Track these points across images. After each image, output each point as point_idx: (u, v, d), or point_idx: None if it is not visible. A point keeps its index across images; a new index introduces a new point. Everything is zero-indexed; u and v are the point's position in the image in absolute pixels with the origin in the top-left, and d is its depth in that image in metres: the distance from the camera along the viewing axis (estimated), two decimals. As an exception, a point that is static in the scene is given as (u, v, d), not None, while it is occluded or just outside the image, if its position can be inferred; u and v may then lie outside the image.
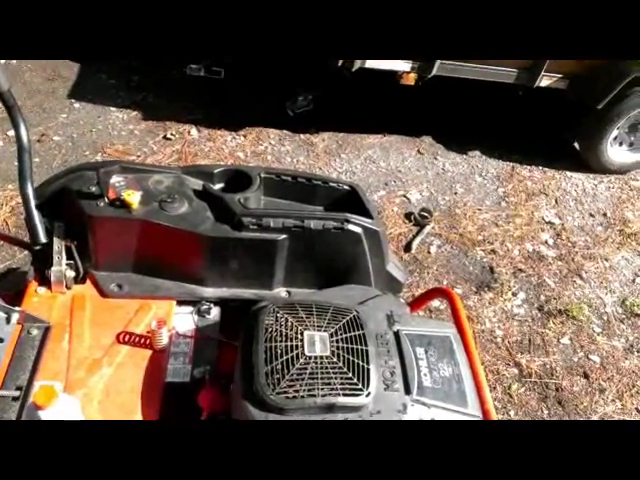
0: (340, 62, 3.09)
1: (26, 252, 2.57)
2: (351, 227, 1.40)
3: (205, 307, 1.44)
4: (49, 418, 0.90)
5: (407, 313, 1.29)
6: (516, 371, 2.47)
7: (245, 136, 3.55)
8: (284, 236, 1.39)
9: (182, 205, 1.40)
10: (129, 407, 1.20)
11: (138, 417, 1.19)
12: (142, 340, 1.32)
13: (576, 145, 3.71)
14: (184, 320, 1.41)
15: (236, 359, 1.24)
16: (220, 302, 1.45)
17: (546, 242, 3.13)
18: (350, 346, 1.12)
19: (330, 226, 1.39)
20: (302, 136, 3.62)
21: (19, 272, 2.35)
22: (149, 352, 1.31)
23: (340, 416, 1.04)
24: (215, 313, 1.44)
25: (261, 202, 1.53)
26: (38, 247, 1.38)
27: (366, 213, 1.44)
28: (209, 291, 1.46)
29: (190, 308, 1.44)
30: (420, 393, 1.11)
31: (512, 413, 2.31)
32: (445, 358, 1.19)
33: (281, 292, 1.51)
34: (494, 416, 1.26)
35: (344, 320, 1.17)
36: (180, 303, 1.44)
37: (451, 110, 3.86)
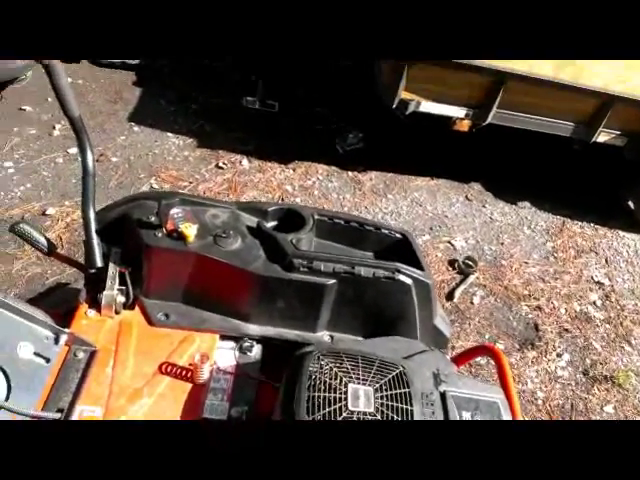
0: (395, 104, 3.11)
1: (75, 269, 2.65)
2: (402, 277, 1.38)
3: (247, 344, 1.43)
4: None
5: (454, 372, 1.26)
6: (556, 437, 2.35)
7: (294, 169, 3.60)
8: (333, 281, 1.38)
9: (235, 241, 1.42)
10: (166, 441, 1.19)
11: (174, 453, 1.18)
12: (183, 372, 1.32)
13: (630, 204, 3.61)
14: (226, 355, 1.41)
15: (275, 401, 1.22)
16: (263, 340, 1.45)
17: (594, 303, 3.02)
18: (395, 404, 1.09)
19: (380, 275, 1.37)
20: (350, 173, 3.65)
21: (67, 288, 2.42)
22: (189, 385, 1.31)
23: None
24: (257, 351, 1.43)
25: (312, 243, 1.54)
26: (93, 270, 1.41)
27: (417, 264, 1.42)
28: (253, 328, 1.45)
29: (232, 344, 1.43)
30: (464, 460, 1.06)
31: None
32: (492, 425, 1.15)
33: (324, 336, 1.49)
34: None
35: (390, 375, 1.14)
36: (223, 337, 1.44)
37: (503, 158, 3.83)
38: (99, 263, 1.40)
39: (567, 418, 2.43)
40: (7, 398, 1.14)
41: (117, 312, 1.41)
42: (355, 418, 1.05)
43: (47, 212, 2.98)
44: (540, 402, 2.48)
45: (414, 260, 1.45)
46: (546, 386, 2.55)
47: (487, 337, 2.68)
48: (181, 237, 1.36)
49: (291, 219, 1.52)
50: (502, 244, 3.30)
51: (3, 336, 1.20)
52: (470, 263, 3.03)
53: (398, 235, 1.56)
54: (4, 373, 1.16)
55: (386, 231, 1.56)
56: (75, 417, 1.16)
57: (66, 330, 1.30)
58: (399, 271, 1.38)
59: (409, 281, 1.39)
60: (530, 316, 2.87)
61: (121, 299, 1.40)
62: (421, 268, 1.42)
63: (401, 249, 1.52)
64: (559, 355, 2.69)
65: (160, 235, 1.37)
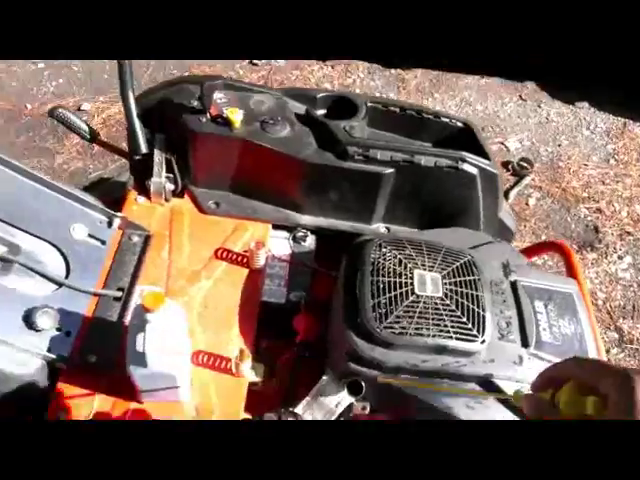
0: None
1: (118, 163, 2.62)
2: (466, 167, 1.27)
3: (301, 234, 1.39)
4: (156, 321, 0.88)
5: (524, 264, 1.18)
6: (616, 336, 2.32)
7: (333, 67, 3.39)
8: (391, 170, 1.28)
9: (284, 128, 1.32)
10: (227, 321, 1.19)
11: (235, 331, 1.18)
12: (239, 258, 1.30)
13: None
14: (279, 244, 1.37)
15: (333, 289, 1.19)
16: (316, 231, 1.40)
17: (658, 207, 2.86)
18: (464, 290, 1.03)
19: (443, 164, 1.27)
20: (393, 71, 3.42)
21: (111, 182, 2.39)
22: (245, 271, 1.28)
23: (451, 360, 0.97)
24: (310, 241, 1.38)
25: (366, 133, 1.43)
26: (138, 157, 1.35)
27: (482, 153, 1.31)
28: (306, 219, 1.40)
29: (286, 234, 1.39)
30: (538, 347, 1.02)
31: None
32: (566, 315, 1.09)
33: (380, 228, 1.43)
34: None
35: (457, 263, 1.08)
36: (276, 227, 1.39)
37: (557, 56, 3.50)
38: (143, 149, 1.34)
39: (629, 319, 2.37)
40: (67, 277, 1.14)
41: (167, 200, 1.37)
42: (422, 303, 1.00)
43: (82, 107, 2.91)
44: (600, 302, 2.42)
45: (478, 150, 1.34)
46: (607, 287, 2.47)
47: (544, 239, 2.57)
48: (226, 123, 1.28)
49: (342, 107, 1.41)
50: (559, 146, 3.10)
51: (56, 218, 1.18)
52: (525, 165, 2.87)
53: (460, 124, 1.42)
54: (61, 253, 1.15)
55: (446, 119, 1.43)
56: (136, 296, 1.16)
57: (119, 214, 1.27)
58: (464, 160, 1.27)
59: (474, 171, 1.29)
60: (589, 218, 2.73)
61: (170, 186, 1.35)
62: (487, 158, 1.31)
63: (463, 139, 1.39)
64: (620, 257, 2.58)
65: (204, 120, 1.29)
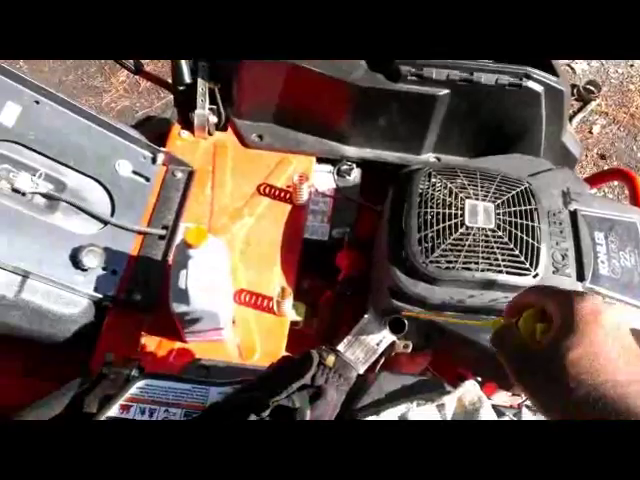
0: None
1: (164, 101, 2.61)
2: (531, 84, 1.16)
3: (346, 167, 1.34)
4: (199, 257, 0.87)
5: (587, 192, 1.10)
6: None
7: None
8: (446, 91, 1.19)
9: None
10: (269, 259, 1.18)
11: (277, 270, 1.16)
12: (282, 194, 1.27)
13: None
14: (323, 179, 1.33)
15: (379, 224, 1.15)
16: (362, 163, 1.34)
17: None
18: (519, 221, 0.97)
19: (505, 81, 1.16)
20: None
21: (157, 119, 2.39)
22: (288, 207, 1.26)
23: (500, 295, 0.93)
24: (356, 174, 1.34)
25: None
26: (182, 87, 1.32)
27: (549, 68, 1.19)
28: (351, 150, 1.34)
29: (330, 167, 1.34)
30: (595, 281, 0.95)
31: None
32: (628, 246, 1.01)
33: (430, 158, 1.36)
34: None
35: (513, 192, 1.01)
36: (320, 161, 1.35)
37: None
38: (187, 79, 1.30)
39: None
40: (112, 215, 1.15)
41: (210, 133, 1.35)
42: (472, 235, 0.95)
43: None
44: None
45: (546, 64, 1.21)
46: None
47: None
48: (273, 45, 1.22)
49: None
50: (631, 66, 2.84)
51: (101, 153, 1.18)
52: (592, 88, 2.65)
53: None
54: (106, 190, 1.16)
55: None
56: (180, 234, 1.16)
57: (163, 150, 1.26)
58: (528, 76, 1.16)
59: (539, 88, 1.17)
60: (659, 146, 2.53)
61: (213, 119, 1.32)
62: (555, 74, 1.19)
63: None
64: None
65: None
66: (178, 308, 0.92)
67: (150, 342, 1.05)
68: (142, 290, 1.07)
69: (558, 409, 0.49)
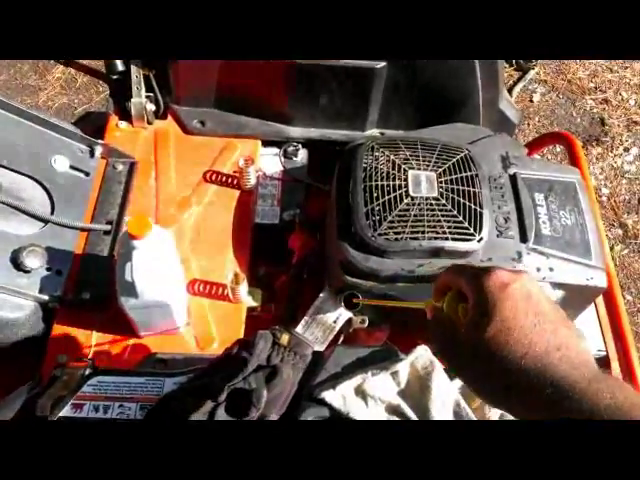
0: None
1: (102, 95, 2.52)
2: (463, 54, 1.19)
3: (292, 149, 1.33)
4: (144, 248, 0.85)
5: (525, 155, 1.13)
6: (620, 232, 2.27)
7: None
8: (383, 63, 1.20)
9: None
10: (220, 246, 1.16)
11: (230, 256, 1.15)
12: (229, 180, 1.25)
13: None
14: (270, 161, 1.32)
15: (327, 202, 1.15)
16: (308, 144, 1.34)
17: (669, 91, 2.72)
18: (461, 188, 0.98)
19: (439, 52, 1.18)
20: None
21: (96, 114, 2.31)
22: (236, 192, 1.24)
23: (448, 262, 0.94)
24: (302, 155, 1.33)
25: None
26: (115, 76, 1.28)
27: (482, 37, 1.21)
28: (296, 131, 1.33)
29: (276, 149, 1.33)
30: (538, 241, 0.98)
31: (611, 274, 2.17)
32: (568, 205, 1.04)
33: (374, 133, 1.36)
34: (613, 272, 1.13)
35: (454, 159, 1.02)
36: (265, 144, 1.34)
37: None
38: (120, 67, 1.27)
39: (633, 214, 2.32)
40: (52, 213, 1.11)
41: (150, 122, 1.31)
42: (417, 205, 0.96)
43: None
44: (605, 199, 2.36)
45: None
46: (611, 182, 2.40)
47: (548, 135, 2.48)
48: (206, 27, 1.19)
49: None
50: (566, 34, 2.92)
51: (35, 150, 1.13)
52: (529, 57, 2.72)
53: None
54: (44, 188, 1.12)
55: None
56: (125, 228, 1.13)
57: (100, 142, 1.22)
58: (460, 47, 1.18)
59: (472, 58, 1.20)
60: (595, 110, 2.61)
61: (151, 107, 1.29)
62: (485, 42, 1.21)
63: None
64: (626, 149, 2.49)
65: None
66: (127, 302, 0.89)
67: (103, 340, 1.02)
68: (90, 288, 1.04)
69: (487, 389, 0.49)
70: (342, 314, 1.02)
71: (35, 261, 1.01)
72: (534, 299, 0.49)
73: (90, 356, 0.99)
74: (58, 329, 1.03)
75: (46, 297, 1.02)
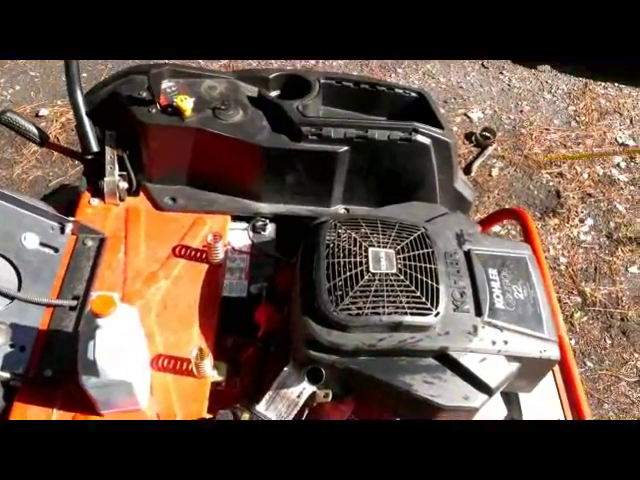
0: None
1: (78, 169, 2.57)
2: (419, 138, 1.28)
3: (260, 223, 1.38)
4: (107, 326, 0.87)
5: (478, 232, 1.19)
6: (579, 300, 2.35)
7: (296, 50, 3.36)
8: (345, 148, 1.28)
9: (237, 113, 1.31)
10: (187, 320, 1.18)
11: (196, 330, 1.16)
12: (198, 254, 1.29)
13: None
14: (239, 236, 1.36)
15: (293, 276, 1.19)
16: (276, 219, 1.39)
17: (618, 165, 2.90)
18: (418, 264, 1.03)
19: (396, 137, 1.27)
20: (355, 50, 3.40)
21: (71, 188, 2.36)
22: (205, 266, 1.27)
23: (407, 335, 0.98)
24: (270, 230, 1.38)
25: (320, 111, 1.42)
26: (90, 157, 1.33)
27: (436, 123, 1.31)
28: (264, 207, 1.39)
29: (245, 224, 1.38)
30: (492, 315, 1.03)
31: (573, 342, 2.22)
32: (520, 280, 1.10)
33: (339, 209, 1.43)
34: (567, 344, 1.18)
35: (411, 237, 1.08)
36: (235, 219, 1.38)
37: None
38: (95, 147, 1.31)
39: (591, 282, 2.41)
40: (19, 289, 1.12)
41: (122, 199, 1.35)
42: (377, 281, 1.01)
43: (40, 113, 2.86)
44: (563, 267, 2.45)
45: (433, 119, 1.34)
46: (569, 252, 2.51)
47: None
48: (177, 112, 1.26)
49: (295, 86, 1.40)
50: (521, 112, 3.13)
51: (6, 228, 1.15)
52: (488, 134, 2.89)
53: (414, 94, 1.41)
54: (12, 265, 1.13)
55: (400, 91, 1.41)
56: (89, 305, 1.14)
57: (71, 219, 1.25)
58: (416, 131, 1.27)
59: (427, 141, 1.29)
60: (551, 184, 2.76)
61: (124, 185, 1.34)
62: (440, 127, 1.31)
63: (418, 110, 1.39)
64: (582, 220, 2.62)
65: (154, 111, 1.27)
66: (87, 381, 0.89)
67: (63, 418, 1.01)
68: (53, 365, 1.03)
69: None
70: (306, 388, 1.03)
71: (-1, 338, 1.01)
72: None
73: (49, 436, 0.98)
74: (18, 407, 1.02)
75: (7, 375, 1.01)
